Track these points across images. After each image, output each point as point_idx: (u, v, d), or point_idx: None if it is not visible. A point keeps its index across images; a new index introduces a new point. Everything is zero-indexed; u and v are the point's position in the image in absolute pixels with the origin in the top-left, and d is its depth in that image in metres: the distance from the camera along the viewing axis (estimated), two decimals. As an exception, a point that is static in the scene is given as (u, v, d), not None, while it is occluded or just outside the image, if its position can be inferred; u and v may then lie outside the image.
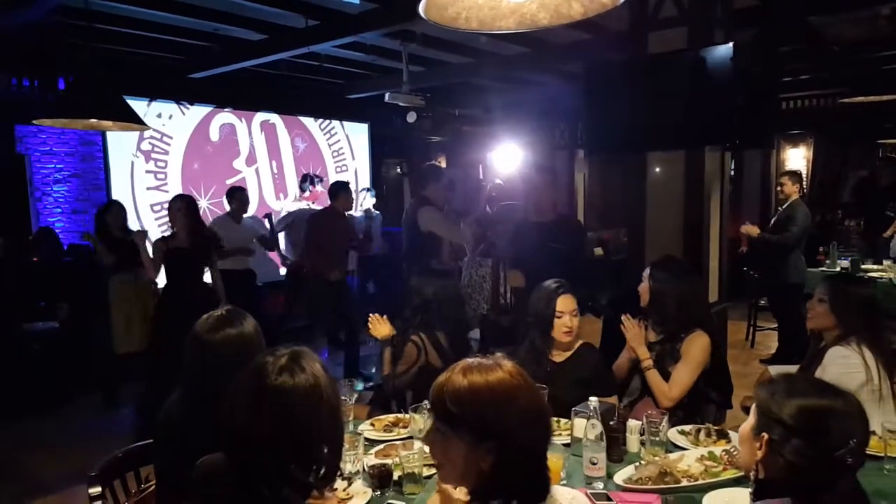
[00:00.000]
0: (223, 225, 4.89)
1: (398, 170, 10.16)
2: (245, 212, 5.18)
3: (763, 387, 1.23)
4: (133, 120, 2.59)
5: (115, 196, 5.46)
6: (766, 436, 1.18)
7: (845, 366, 2.14)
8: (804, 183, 9.47)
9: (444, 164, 10.70)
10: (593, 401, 1.87)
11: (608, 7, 1.27)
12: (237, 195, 5.12)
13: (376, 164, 8.29)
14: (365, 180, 7.79)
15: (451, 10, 1.31)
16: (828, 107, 8.15)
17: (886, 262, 5.56)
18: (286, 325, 5.51)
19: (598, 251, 9.54)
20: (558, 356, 2.42)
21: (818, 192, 9.29)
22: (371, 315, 2.71)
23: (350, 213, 5.59)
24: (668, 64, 3.55)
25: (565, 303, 2.37)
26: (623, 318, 2.48)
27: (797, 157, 9.66)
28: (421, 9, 1.24)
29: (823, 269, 5.44)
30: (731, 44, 3.19)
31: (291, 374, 1.20)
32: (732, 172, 8.71)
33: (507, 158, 8.88)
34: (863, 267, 5.34)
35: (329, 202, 5.08)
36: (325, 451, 1.21)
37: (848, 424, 1.13)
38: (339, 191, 5.01)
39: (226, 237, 4.56)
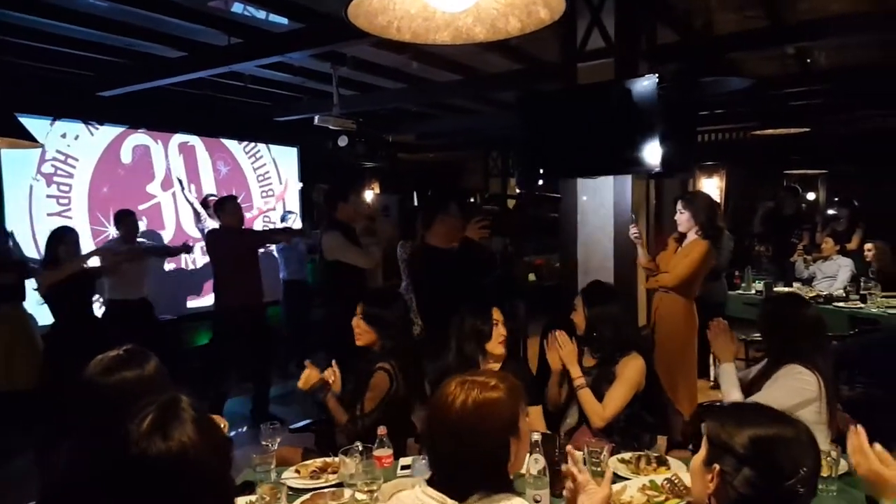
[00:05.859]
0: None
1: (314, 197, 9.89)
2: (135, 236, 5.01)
3: (713, 417, 1.18)
4: (22, 136, 2.31)
5: (10, 222, 5.00)
6: (717, 467, 1.13)
7: (800, 380, 2.14)
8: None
9: (377, 190, 10.58)
10: (535, 435, 1.78)
11: (546, 23, 1.22)
12: (126, 220, 4.93)
13: (307, 188, 8.02)
14: (293, 205, 7.52)
15: (382, 19, 1.21)
16: (739, 139, 8.68)
17: (796, 285, 5.96)
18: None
19: (531, 277, 9.68)
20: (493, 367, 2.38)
21: (732, 221, 9.84)
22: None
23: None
24: (596, 94, 3.63)
25: (497, 313, 2.51)
26: (557, 333, 2.46)
27: (711, 187, 10.23)
28: (349, 13, 1.14)
29: (740, 291, 5.80)
30: (655, 76, 3.30)
31: (149, 444, 0.97)
32: (655, 201, 9.14)
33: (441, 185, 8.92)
34: (774, 289, 5.65)
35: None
36: None
37: (798, 452, 1.09)
38: (225, 204, 4.73)
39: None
